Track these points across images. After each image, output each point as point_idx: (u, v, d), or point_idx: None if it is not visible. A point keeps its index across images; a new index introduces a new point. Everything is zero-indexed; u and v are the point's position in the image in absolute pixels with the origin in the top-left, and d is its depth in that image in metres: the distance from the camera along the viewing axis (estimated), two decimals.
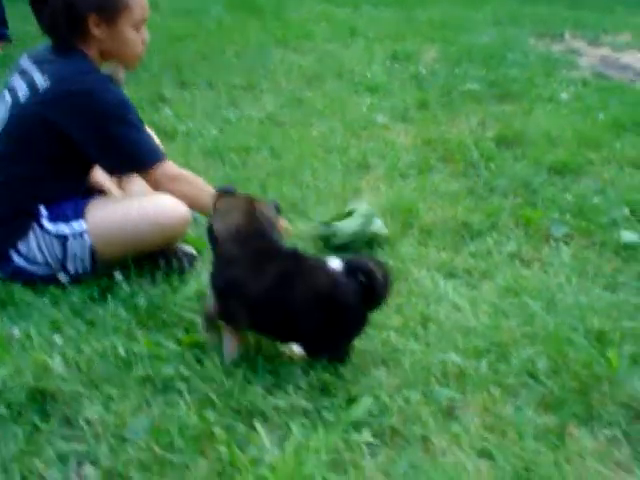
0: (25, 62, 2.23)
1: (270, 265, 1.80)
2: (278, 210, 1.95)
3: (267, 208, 1.90)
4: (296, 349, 1.92)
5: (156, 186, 2.23)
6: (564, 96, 4.87)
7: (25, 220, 2.17)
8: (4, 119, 2.17)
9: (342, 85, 5.05)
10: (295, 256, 1.87)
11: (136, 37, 2.21)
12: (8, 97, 2.19)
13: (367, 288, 1.78)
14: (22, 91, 2.14)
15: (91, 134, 2.12)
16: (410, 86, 5.07)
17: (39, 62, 2.17)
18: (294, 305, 1.78)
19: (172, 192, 2.22)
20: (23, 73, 2.19)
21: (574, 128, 4.09)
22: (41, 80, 2.11)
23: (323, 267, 1.81)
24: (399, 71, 5.48)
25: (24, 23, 5.78)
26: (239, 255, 1.81)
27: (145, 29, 2.25)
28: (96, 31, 2.14)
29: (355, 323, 1.84)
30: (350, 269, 1.78)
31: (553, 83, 5.19)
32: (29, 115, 2.12)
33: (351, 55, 5.98)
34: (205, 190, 2.21)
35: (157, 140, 2.40)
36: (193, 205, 2.24)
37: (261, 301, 1.78)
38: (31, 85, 2.13)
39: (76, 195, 2.26)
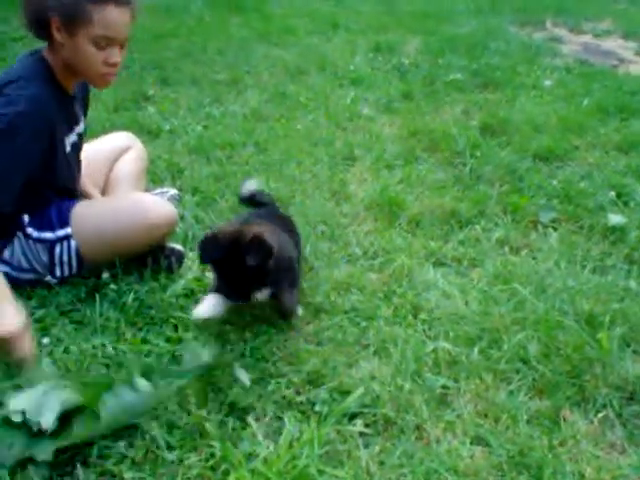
0: None
1: None
2: None
3: None
4: None
5: None
6: (547, 83, 4.88)
7: (8, 230, 2.13)
8: None
9: (326, 78, 5.03)
10: None
11: (95, 54, 2.01)
12: None
13: None
14: None
15: None
16: (393, 78, 5.06)
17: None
18: None
19: None
20: None
21: (558, 114, 4.10)
22: None
23: None
24: (382, 63, 5.46)
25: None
26: None
27: (115, 51, 2.03)
28: (57, 36, 2.01)
29: None
30: None
31: (536, 71, 5.20)
32: None
33: (334, 48, 5.96)
34: None
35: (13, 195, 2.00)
36: None
37: None
38: None
39: (56, 201, 2.23)
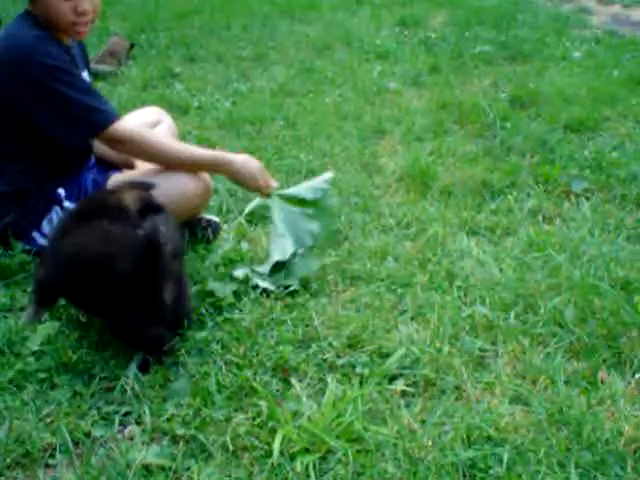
0: None
1: None
2: None
3: None
4: None
5: (110, 147, 2.17)
6: (577, 55, 4.83)
7: (44, 203, 2.18)
8: None
9: (352, 53, 5.03)
10: None
11: (62, 5, 2.03)
12: None
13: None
14: None
15: (36, 102, 2.03)
16: (420, 51, 5.04)
17: None
18: None
19: (125, 153, 2.20)
20: None
21: (588, 86, 4.07)
22: None
23: None
24: (408, 37, 5.45)
25: None
26: None
27: None
28: None
29: None
30: None
31: (565, 42, 5.15)
32: None
33: (359, 23, 5.95)
34: (157, 150, 2.12)
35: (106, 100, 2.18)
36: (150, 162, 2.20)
37: None
38: None
39: (84, 168, 2.27)
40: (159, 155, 2.13)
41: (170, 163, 2.14)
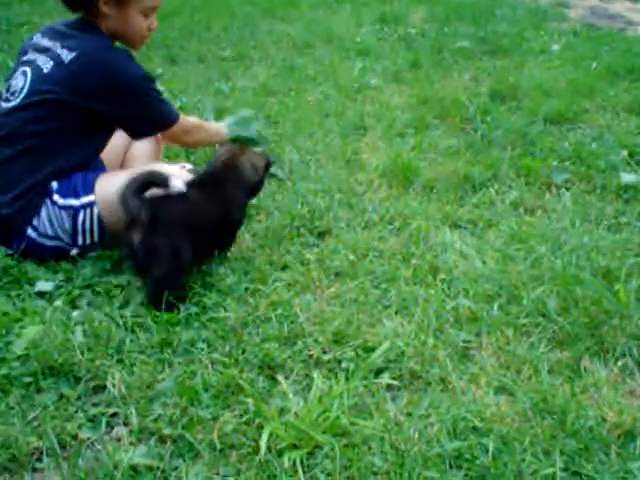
0: (40, 39, 2.25)
1: None
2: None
3: None
4: None
5: (173, 138, 2.53)
6: (555, 48, 4.87)
7: (38, 196, 2.18)
8: (24, 89, 2.19)
9: (332, 51, 5.04)
10: None
11: (142, 23, 2.25)
12: (28, 69, 2.20)
13: None
14: (45, 63, 2.17)
15: (121, 106, 2.22)
16: (400, 47, 5.07)
17: (59, 38, 2.21)
18: None
19: (187, 142, 2.61)
20: (41, 49, 2.21)
21: (567, 78, 4.11)
22: (65, 53, 2.14)
23: None
24: (388, 33, 5.47)
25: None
26: None
27: (154, 17, 2.29)
28: (104, 9, 2.18)
29: None
30: None
31: (543, 36, 5.20)
32: (53, 87, 2.14)
33: (339, 20, 5.96)
34: (214, 137, 2.63)
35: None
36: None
37: None
38: (55, 58, 2.15)
39: (87, 169, 2.29)
40: (212, 136, 2.64)
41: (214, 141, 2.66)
